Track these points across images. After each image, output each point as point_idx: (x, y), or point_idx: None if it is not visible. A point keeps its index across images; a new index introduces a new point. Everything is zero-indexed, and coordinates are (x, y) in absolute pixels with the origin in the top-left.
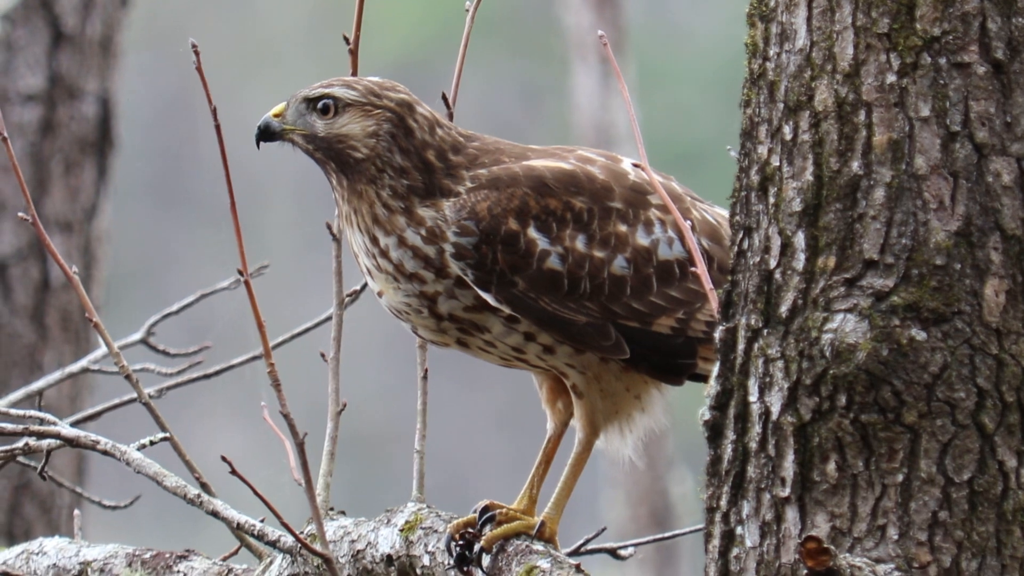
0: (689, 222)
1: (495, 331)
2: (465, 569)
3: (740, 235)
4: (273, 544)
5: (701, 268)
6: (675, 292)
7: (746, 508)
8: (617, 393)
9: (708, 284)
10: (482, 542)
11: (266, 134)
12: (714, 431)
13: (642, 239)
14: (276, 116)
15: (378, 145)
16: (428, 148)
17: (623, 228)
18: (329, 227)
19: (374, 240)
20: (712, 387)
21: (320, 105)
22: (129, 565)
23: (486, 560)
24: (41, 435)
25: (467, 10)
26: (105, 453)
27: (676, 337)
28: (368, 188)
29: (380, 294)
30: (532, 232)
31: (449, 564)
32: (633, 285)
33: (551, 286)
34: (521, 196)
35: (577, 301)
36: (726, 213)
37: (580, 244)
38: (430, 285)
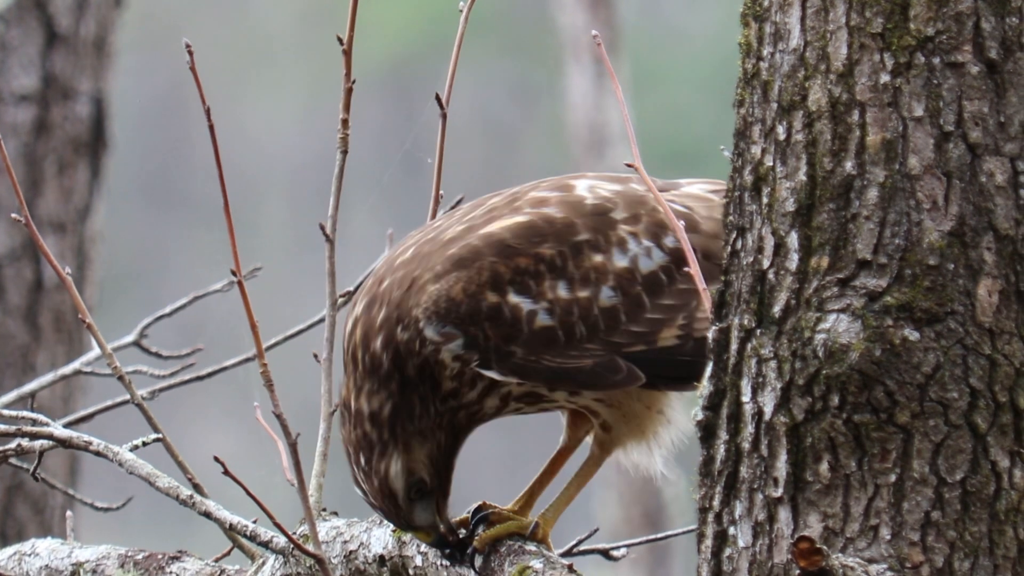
0: (682, 221)
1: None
2: (458, 569)
3: (733, 235)
4: (266, 545)
5: (694, 268)
6: (668, 300)
7: (739, 508)
8: (640, 414)
9: (701, 284)
10: (475, 542)
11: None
12: (707, 431)
13: (620, 261)
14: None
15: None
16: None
17: (599, 258)
18: (322, 228)
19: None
20: (705, 387)
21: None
22: (122, 566)
23: (479, 560)
24: (34, 436)
25: (461, 10)
26: (98, 454)
27: (684, 343)
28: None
29: None
30: (513, 297)
31: (442, 564)
32: (626, 310)
33: (548, 343)
34: (489, 266)
35: (578, 347)
36: (696, 188)
37: (562, 291)
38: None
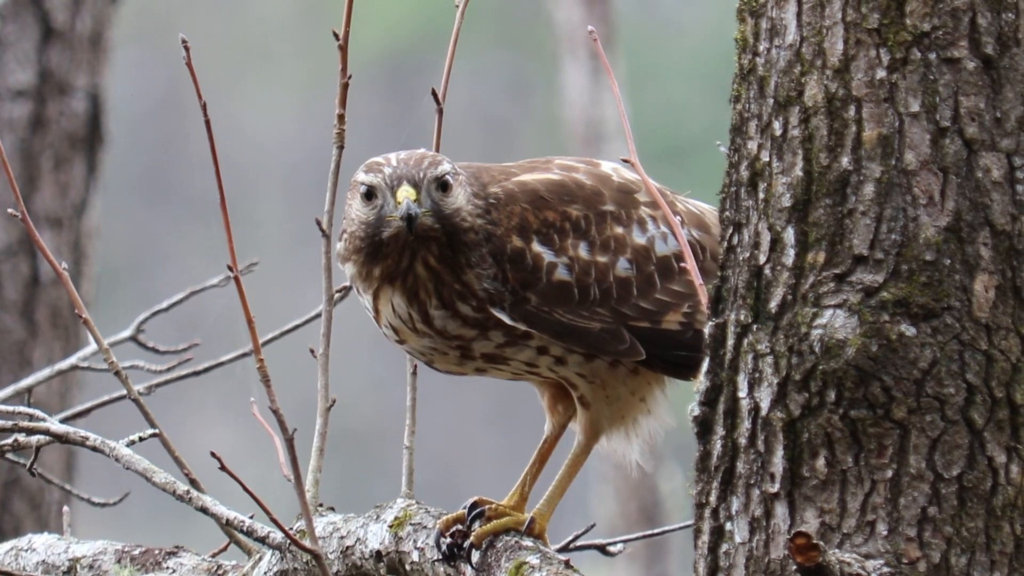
0: (678, 216)
1: (510, 351)
2: (454, 564)
3: (730, 231)
4: (262, 540)
5: (691, 263)
6: (677, 286)
7: (735, 504)
8: (622, 398)
9: (698, 279)
10: (471, 538)
11: (412, 221)
12: (703, 427)
13: (639, 238)
14: (415, 201)
15: (471, 212)
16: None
17: (620, 230)
18: (319, 223)
19: (422, 307)
20: (702, 383)
21: (440, 183)
22: (118, 561)
23: (475, 556)
24: (31, 431)
25: (457, 5)
26: (94, 449)
27: (685, 332)
28: (443, 260)
29: (401, 342)
30: (536, 246)
31: (437, 559)
32: (638, 285)
33: (563, 297)
34: (520, 213)
35: (589, 308)
36: (705, 206)
37: (583, 251)
38: (466, 338)
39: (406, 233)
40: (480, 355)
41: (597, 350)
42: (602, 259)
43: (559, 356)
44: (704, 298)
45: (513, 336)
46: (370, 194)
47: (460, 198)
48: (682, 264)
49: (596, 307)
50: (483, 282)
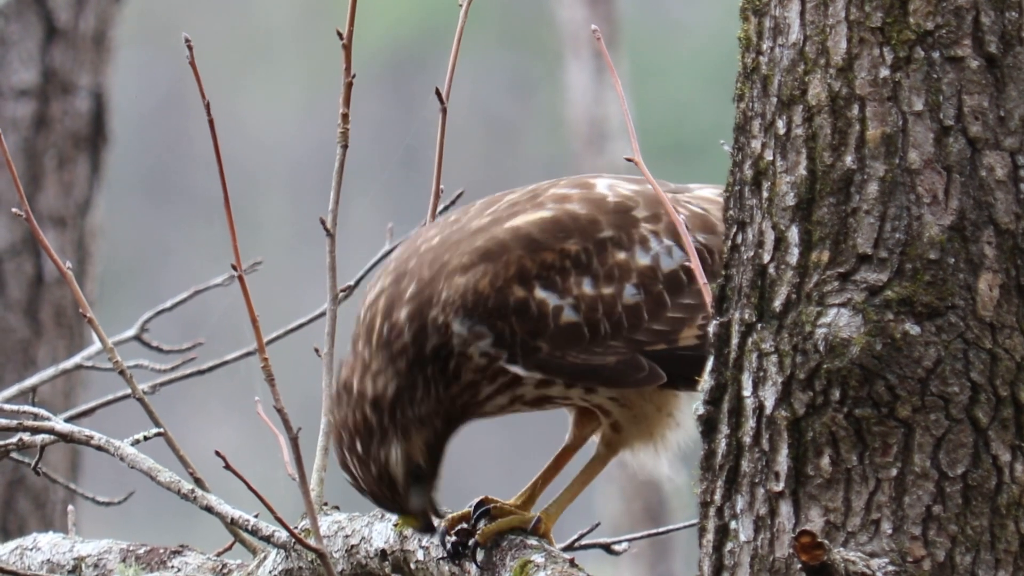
0: (683, 216)
1: (542, 392)
2: (459, 563)
3: (734, 229)
4: (267, 539)
5: (695, 263)
6: (689, 299)
7: (740, 503)
8: (650, 416)
9: (702, 279)
10: (476, 536)
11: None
12: (708, 426)
13: (643, 259)
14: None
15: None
16: None
17: (622, 256)
18: (323, 222)
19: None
20: (706, 382)
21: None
22: (123, 560)
23: (480, 554)
24: (35, 431)
25: (460, 4)
26: (99, 448)
27: (704, 344)
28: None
29: None
30: (540, 292)
31: (442, 557)
32: (648, 308)
33: (574, 339)
34: (516, 260)
35: (602, 344)
36: (709, 192)
37: (587, 287)
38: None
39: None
40: (533, 399)
41: (617, 384)
42: (608, 291)
43: (588, 386)
44: (708, 296)
45: (543, 382)
46: None
47: (394, 452)
48: (685, 263)
49: (609, 341)
50: (477, 349)
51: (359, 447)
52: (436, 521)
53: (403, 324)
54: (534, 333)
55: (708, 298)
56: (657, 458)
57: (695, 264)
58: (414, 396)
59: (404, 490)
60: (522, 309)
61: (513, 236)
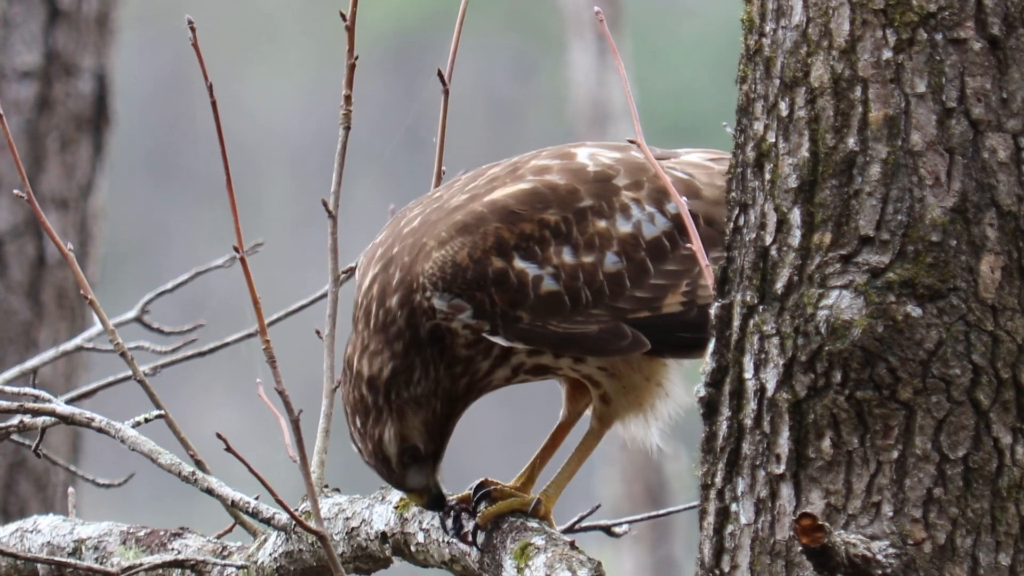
0: (685, 199)
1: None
2: (460, 545)
3: (736, 211)
4: (268, 521)
5: (696, 243)
6: (672, 265)
7: (741, 485)
8: (638, 386)
9: (704, 260)
10: (477, 518)
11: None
12: (709, 408)
13: (624, 226)
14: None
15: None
16: None
17: (602, 224)
18: (325, 204)
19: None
20: (707, 364)
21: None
22: (123, 543)
23: (481, 537)
24: (36, 412)
25: None
26: (100, 431)
27: (688, 311)
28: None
29: None
30: (519, 262)
31: (444, 540)
32: (631, 276)
33: (554, 308)
34: (494, 232)
35: (583, 313)
36: (695, 156)
37: (567, 256)
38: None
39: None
40: (532, 367)
41: (599, 352)
42: (588, 259)
43: (576, 355)
44: (709, 277)
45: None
46: None
47: (389, 431)
48: (687, 246)
49: (591, 309)
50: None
51: (358, 423)
52: (447, 496)
53: (395, 311)
54: (514, 303)
55: (708, 273)
56: (648, 428)
57: (688, 224)
58: (411, 378)
59: (398, 468)
60: (501, 279)
61: (491, 208)
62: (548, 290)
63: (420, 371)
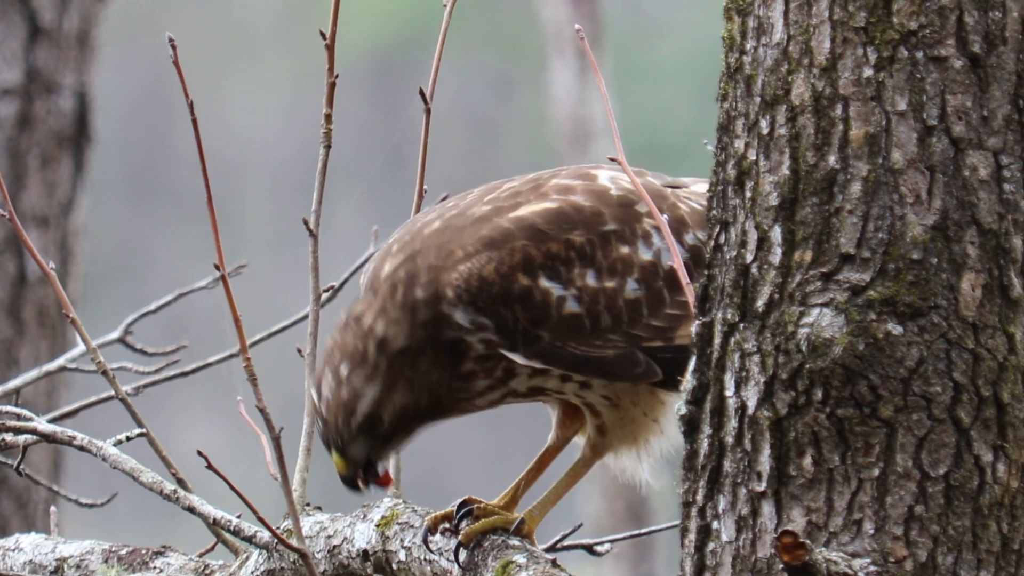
0: (666, 216)
1: (536, 383)
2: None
3: (717, 229)
4: (249, 540)
5: (678, 262)
6: (686, 297)
7: (722, 503)
8: (636, 420)
9: (685, 279)
10: (459, 536)
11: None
12: (690, 425)
13: (645, 254)
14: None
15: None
16: None
17: (625, 250)
18: (306, 223)
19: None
20: (688, 382)
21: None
22: (105, 561)
23: (463, 555)
24: (18, 431)
25: (444, 5)
26: (82, 449)
27: None
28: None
29: None
30: (544, 282)
31: (425, 559)
32: (648, 304)
33: (575, 329)
34: (522, 249)
35: (601, 337)
36: (702, 188)
37: (591, 280)
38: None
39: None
40: (526, 390)
41: (614, 377)
42: (610, 284)
43: (583, 381)
44: (691, 296)
45: (537, 371)
46: None
47: (368, 392)
48: (668, 263)
49: (608, 334)
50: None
51: (343, 370)
52: (362, 484)
53: (421, 304)
54: (536, 322)
55: (688, 291)
56: (639, 463)
57: (677, 262)
58: (417, 363)
59: (354, 431)
60: (526, 297)
61: (518, 225)
62: (570, 312)
63: (427, 365)
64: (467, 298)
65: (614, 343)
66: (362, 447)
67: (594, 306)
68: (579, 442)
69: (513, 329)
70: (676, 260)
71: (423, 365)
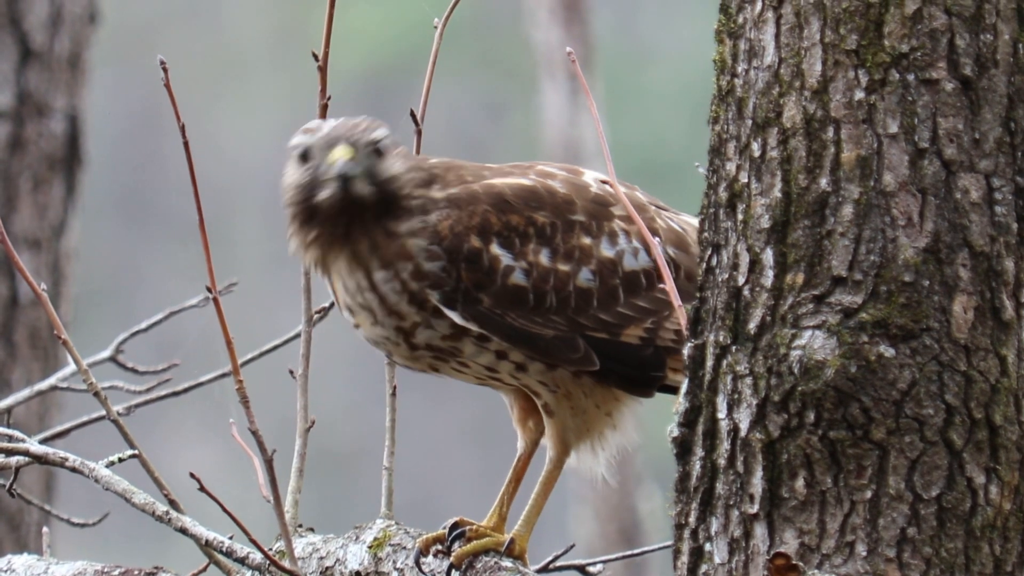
0: (656, 238)
1: (467, 352)
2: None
3: (709, 252)
4: (242, 561)
5: (669, 284)
6: (642, 302)
7: (715, 525)
8: (588, 411)
9: (676, 300)
10: (452, 558)
11: (348, 181)
12: (683, 448)
13: (607, 251)
14: (351, 160)
15: (409, 180)
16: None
17: (587, 241)
18: None
19: (367, 274)
20: (681, 404)
21: (377, 148)
22: None
23: None
24: (10, 452)
25: (435, 27)
26: (74, 470)
27: (645, 347)
28: (378, 224)
29: (357, 326)
30: (495, 248)
31: None
32: (599, 297)
33: (517, 301)
34: (482, 213)
35: (544, 315)
36: (694, 220)
37: (544, 258)
38: (408, 319)
39: (340, 192)
40: (425, 345)
41: (549, 356)
42: (564, 268)
43: (520, 363)
44: (683, 318)
45: (457, 330)
46: (305, 156)
47: (397, 165)
48: (660, 286)
49: (551, 314)
50: (423, 258)
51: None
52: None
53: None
54: (479, 285)
55: (680, 312)
56: (595, 458)
57: (667, 278)
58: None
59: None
60: (474, 258)
61: (486, 191)
62: (516, 283)
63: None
64: (425, 242)
65: (555, 324)
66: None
67: (542, 284)
68: (545, 445)
69: (455, 288)
70: (659, 258)
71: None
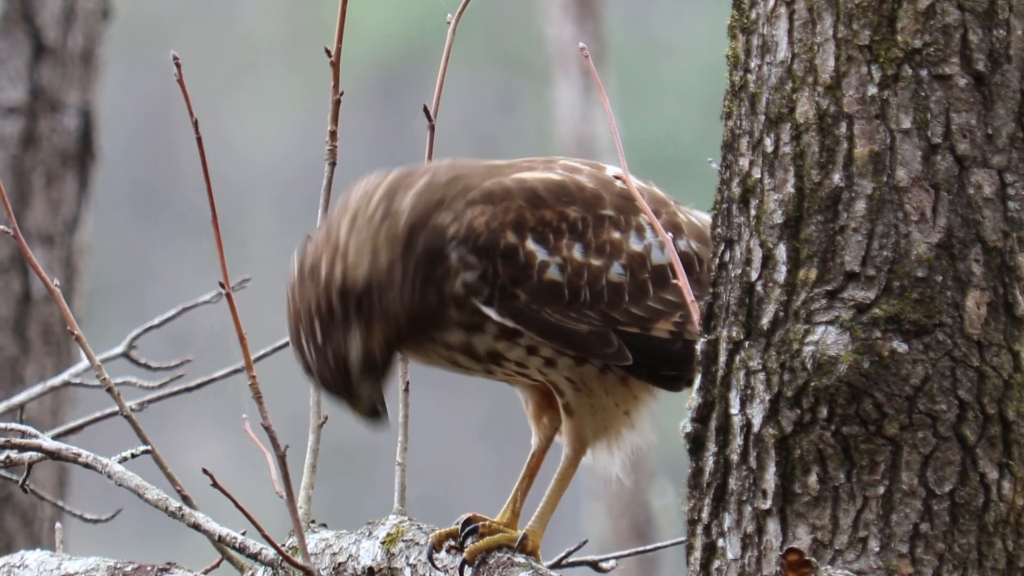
0: (671, 234)
1: (499, 348)
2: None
3: (721, 247)
4: (255, 557)
5: (683, 280)
6: (671, 296)
7: (727, 520)
8: (607, 408)
9: (689, 296)
10: (464, 554)
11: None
12: (696, 443)
13: (635, 245)
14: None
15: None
16: None
17: (617, 235)
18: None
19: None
20: (694, 399)
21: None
22: None
23: (468, 572)
24: (23, 448)
25: (448, 22)
26: (87, 466)
27: (675, 341)
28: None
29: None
30: (531, 244)
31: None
32: (631, 291)
33: (552, 297)
34: (516, 209)
35: (578, 310)
36: (706, 217)
37: (577, 253)
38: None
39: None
40: (485, 354)
41: (584, 352)
42: (596, 262)
43: (549, 358)
44: (695, 314)
45: (503, 331)
46: None
47: (355, 340)
48: (674, 282)
49: (586, 309)
50: (461, 278)
51: (318, 332)
52: (382, 409)
53: (403, 211)
54: (515, 280)
55: (692, 308)
56: (611, 456)
57: (677, 266)
58: (384, 297)
59: (357, 380)
60: (510, 254)
61: (519, 186)
62: (551, 278)
63: (400, 283)
64: (459, 244)
65: (589, 319)
66: (367, 385)
67: (576, 279)
68: (559, 441)
69: (491, 283)
70: (672, 254)
71: (395, 289)
